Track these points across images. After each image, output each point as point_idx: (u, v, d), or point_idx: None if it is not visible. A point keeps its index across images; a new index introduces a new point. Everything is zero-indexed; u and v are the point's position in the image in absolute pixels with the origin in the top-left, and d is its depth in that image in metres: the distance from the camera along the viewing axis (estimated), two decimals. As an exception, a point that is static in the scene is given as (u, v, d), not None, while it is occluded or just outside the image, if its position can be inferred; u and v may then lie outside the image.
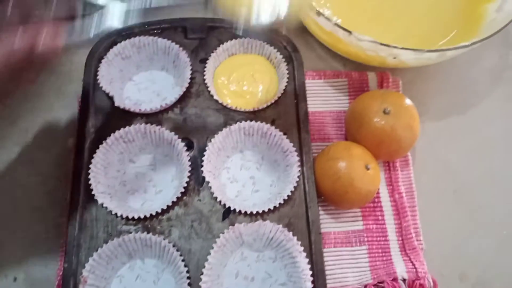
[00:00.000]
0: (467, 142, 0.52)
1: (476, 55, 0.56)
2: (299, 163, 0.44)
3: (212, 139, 0.44)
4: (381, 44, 0.43)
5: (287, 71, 0.48)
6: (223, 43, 0.48)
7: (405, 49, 0.43)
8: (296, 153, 0.44)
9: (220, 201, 0.42)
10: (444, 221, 0.48)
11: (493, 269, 0.46)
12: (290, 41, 0.49)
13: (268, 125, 0.45)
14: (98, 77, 0.45)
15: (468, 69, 0.56)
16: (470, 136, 0.52)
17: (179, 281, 0.40)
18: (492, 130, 0.53)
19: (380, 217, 0.46)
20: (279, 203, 0.42)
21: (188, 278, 0.39)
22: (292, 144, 0.44)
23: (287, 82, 0.47)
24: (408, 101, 0.45)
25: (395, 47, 0.43)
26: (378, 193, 0.46)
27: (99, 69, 0.46)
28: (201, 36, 0.49)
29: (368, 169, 0.42)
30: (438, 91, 0.54)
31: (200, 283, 0.38)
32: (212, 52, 0.48)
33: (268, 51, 0.49)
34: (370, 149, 0.44)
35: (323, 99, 0.50)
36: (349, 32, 0.43)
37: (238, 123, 0.45)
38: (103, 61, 0.46)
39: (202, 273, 0.39)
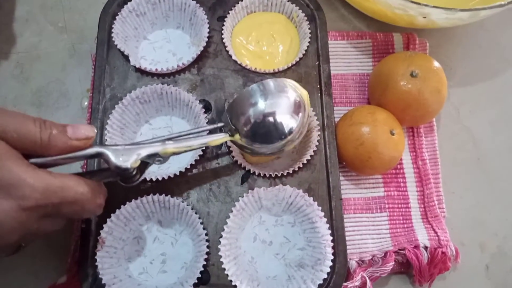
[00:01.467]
0: (493, 109, 0.50)
1: (507, 18, 0.53)
2: (319, 127, 0.42)
3: None
4: (411, 1, 0.40)
5: (309, 31, 0.45)
6: (242, 0, 0.46)
7: (437, 7, 0.40)
8: (315, 118, 0.43)
9: (240, 164, 0.41)
10: (466, 189, 0.47)
11: (515, 239, 0.45)
12: (312, -1, 0.47)
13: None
14: (112, 35, 0.44)
15: (497, 33, 0.53)
16: (497, 103, 0.50)
17: (197, 244, 0.39)
18: (519, 98, 0.51)
19: (402, 184, 0.44)
20: (298, 167, 0.41)
21: (207, 241, 0.39)
22: (312, 108, 0.43)
23: (309, 42, 0.45)
24: (436, 64, 0.43)
25: (426, 5, 0.40)
26: (400, 159, 0.45)
27: (113, 26, 0.44)
28: (218, -8, 0.47)
29: (393, 134, 0.41)
30: (465, 55, 0.52)
31: (219, 246, 0.38)
32: (231, 9, 0.46)
33: (289, 9, 0.47)
34: (395, 113, 0.42)
35: (346, 61, 0.48)
36: (378, -12, 0.40)
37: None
38: (117, 18, 0.44)
39: (221, 236, 0.38)
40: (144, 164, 0.35)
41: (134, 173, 0.34)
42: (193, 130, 0.39)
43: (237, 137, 0.38)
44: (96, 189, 0.32)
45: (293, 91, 0.38)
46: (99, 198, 0.33)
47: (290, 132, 0.37)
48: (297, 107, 0.38)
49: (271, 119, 0.37)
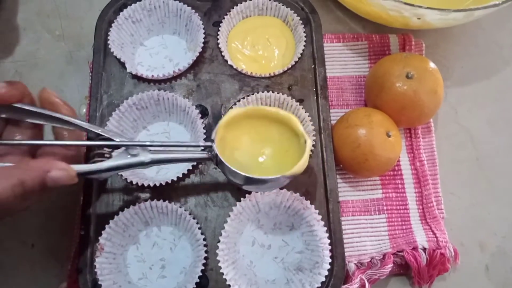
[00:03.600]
0: (491, 108, 0.50)
1: (504, 16, 0.53)
2: (314, 132, 0.43)
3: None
4: (405, 3, 0.40)
5: (304, 34, 0.46)
6: (237, 5, 0.46)
7: (431, 8, 0.40)
8: (311, 122, 0.43)
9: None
10: (465, 190, 0.46)
11: (514, 238, 0.45)
12: (307, 2, 0.47)
13: (285, 95, 0.43)
14: (108, 42, 0.44)
15: (494, 32, 0.53)
16: (494, 102, 0.50)
17: (196, 248, 0.40)
18: (517, 97, 0.50)
19: (400, 185, 0.44)
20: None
21: (205, 245, 0.39)
22: (307, 113, 0.43)
23: (304, 45, 0.45)
24: (432, 65, 0.43)
25: (420, 6, 0.40)
26: (398, 160, 0.45)
27: (109, 33, 0.44)
28: (213, -2, 0.47)
29: (389, 136, 0.41)
30: (462, 55, 0.52)
31: (217, 251, 0.38)
32: (226, 14, 0.46)
33: (284, 13, 0.47)
34: (392, 115, 0.42)
35: (342, 63, 0.48)
36: (372, -10, 0.40)
37: (255, 94, 0.43)
38: (113, 25, 0.45)
39: (219, 241, 0.39)
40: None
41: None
42: (176, 143, 0.39)
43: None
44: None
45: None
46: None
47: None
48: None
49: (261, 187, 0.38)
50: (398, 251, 0.41)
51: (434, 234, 0.42)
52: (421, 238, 0.41)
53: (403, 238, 0.42)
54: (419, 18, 0.43)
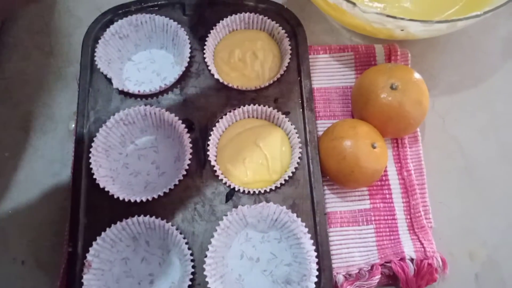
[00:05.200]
0: (479, 117, 0.50)
1: (490, 24, 0.53)
2: (300, 144, 0.43)
3: (217, 124, 0.43)
4: (387, 16, 0.40)
5: (289, 47, 0.46)
6: (222, 19, 0.47)
7: (413, 20, 0.40)
8: (297, 135, 0.43)
9: (225, 183, 0.41)
10: (454, 199, 0.46)
11: (503, 248, 0.45)
12: (292, 15, 0.47)
13: (271, 108, 0.44)
14: (95, 59, 0.44)
15: (481, 40, 0.53)
16: (482, 111, 0.50)
17: (184, 263, 0.40)
18: (505, 105, 0.50)
19: (388, 196, 0.45)
20: (280, 183, 0.41)
21: (192, 260, 0.39)
22: (293, 126, 0.43)
23: (290, 58, 0.46)
24: (416, 75, 0.43)
25: (402, 18, 0.40)
26: (386, 171, 0.45)
27: (96, 50, 0.45)
28: (199, 12, 0.47)
29: (374, 147, 0.41)
30: (449, 63, 0.52)
31: (204, 266, 0.38)
32: (212, 28, 0.46)
33: (270, 26, 0.47)
34: (377, 126, 0.43)
35: (329, 74, 0.49)
36: (354, 4, 0.41)
37: (241, 107, 0.44)
38: (99, 41, 0.45)
39: (206, 256, 0.39)
40: None
41: None
42: None
43: None
44: None
45: None
46: None
47: None
48: None
49: None
50: (386, 262, 0.41)
51: (422, 244, 0.42)
52: (409, 248, 0.42)
53: (391, 249, 0.42)
54: (402, 30, 0.43)
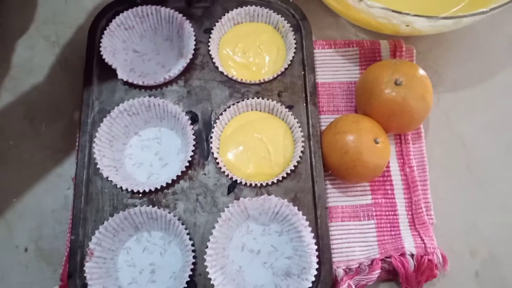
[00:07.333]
0: (484, 115, 0.50)
1: (497, 21, 0.53)
2: (303, 138, 0.43)
3: (220, 116, 0.43)
4: (393, 11, 0.40)
5: (294, 41, 0.46)
6: (228, 12, 0.47)
7: (418, 16, 0.40)
8: (300, 129, 0.43)
9: (227, 175, 0.42)
10: (456, 195, 0.46)
11: (505, 245, 0.45)
12: (298, 9, 0.47)
13: (275, 102, 0.44)
14: (100, 49, 0.44)
15: (488, 36, 0.53)
16: (487, 108, 0.50)
17: (185, 254, 0.40)
18: (510, 103, 0.50)
19: (389, 191, 0.45)
20: (282, 177, 0.41)
21: (193, 251, 0.39)
22: (297, 120, 0.43)
23: (294, 52, 0.46)
24: (421, 71, 0.43)
25: (407, 14, 0.40)
26: (388, 166, 0.45)
27: (101, 40, 0.45)
28: (205, 5, 0.47)
29: (377, 142, 0.41)
30: (455, 60, 0.52)
31: (205, 256, 0.39)
32: (217, 21, 0.47)
33: (275, 20, 0.47)
34: (381, 121, 0.43)
35: (333, 69, 0.49)
36: (360, -2, 0.40)
37: (245, 100, 0.44)
38: (105, 32, 0.45)
39: (207, 246, 0.39)
40: None
41: None
42: None
43: None
44: None
45: None
46: None
47: None
48: None
49: None
50: (386, 257, 0.41)
51: (422, 240, 0.42)
52: (409, 244, 0.42)
53: (392, 244, 0.42)
54: (407, 25, 0.43)
